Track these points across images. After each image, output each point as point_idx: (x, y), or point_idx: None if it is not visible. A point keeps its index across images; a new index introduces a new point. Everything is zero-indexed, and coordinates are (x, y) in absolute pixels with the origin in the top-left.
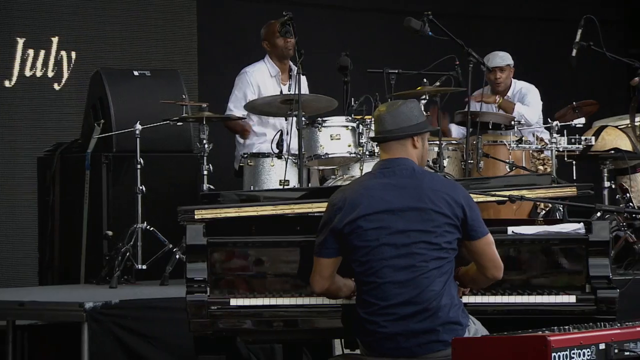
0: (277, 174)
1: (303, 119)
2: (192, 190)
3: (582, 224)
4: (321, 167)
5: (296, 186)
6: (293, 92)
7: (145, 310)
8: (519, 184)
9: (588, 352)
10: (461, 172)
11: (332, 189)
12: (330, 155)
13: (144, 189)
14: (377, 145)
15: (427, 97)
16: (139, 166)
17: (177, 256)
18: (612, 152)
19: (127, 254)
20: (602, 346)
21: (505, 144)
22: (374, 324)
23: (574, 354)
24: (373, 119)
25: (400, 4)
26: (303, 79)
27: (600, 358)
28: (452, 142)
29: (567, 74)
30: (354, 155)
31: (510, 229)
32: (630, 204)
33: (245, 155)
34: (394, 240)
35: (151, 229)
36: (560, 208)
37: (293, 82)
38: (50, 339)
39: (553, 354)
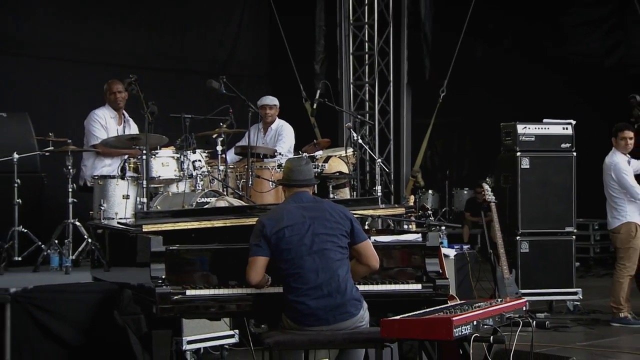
0: (120, 190)
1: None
2: (38, 202)
3: (420, 234)
4: (153, 185)
5: (143, 200)
6: (129, 132)
7: (53, 292)
8: (363, 205)
9: (469, 327)
10: (237, 187)
11: (234, 208)
12: (161, 177)
13: (20, 201)
14: (283, 185)
15: (223, 135)
16: (16, 184)
17: (45, 252)
18: (337, 174)
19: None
20: (475, 322)
21: (269, 169)
22: (300, 303)
23: (463, 328)
24: (290, 169)
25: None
26: (133, 122)
27: (474, 330)
28: (230, 166)
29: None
30: (177, 177)
31: (373, 238)
32: (431, 218)
33: (96, 177)
34: (309, 241)
35: (25, 230)
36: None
37: (126, 124)
38: None
39: (454, 329)
